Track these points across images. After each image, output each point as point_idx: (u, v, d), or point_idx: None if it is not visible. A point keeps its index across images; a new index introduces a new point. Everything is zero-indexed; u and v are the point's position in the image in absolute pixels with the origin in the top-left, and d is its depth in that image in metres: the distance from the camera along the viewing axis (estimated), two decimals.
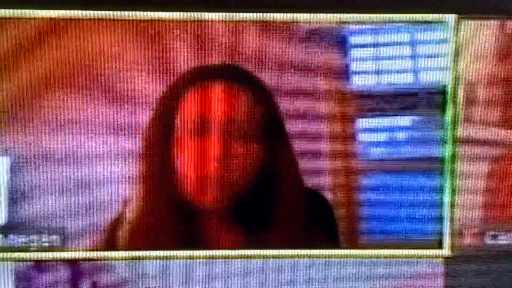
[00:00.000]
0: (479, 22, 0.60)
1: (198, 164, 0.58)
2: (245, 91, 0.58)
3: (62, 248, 0.59)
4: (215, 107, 0.58)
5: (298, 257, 0.61)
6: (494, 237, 0.61)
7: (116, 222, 0.59)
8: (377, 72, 0.60)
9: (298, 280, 0.61)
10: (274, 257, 0.60)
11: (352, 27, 0.60)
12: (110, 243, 0.59)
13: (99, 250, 0.59)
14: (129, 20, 0.58)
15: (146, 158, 0.58)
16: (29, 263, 0.60)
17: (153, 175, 0.58)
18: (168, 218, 0.59)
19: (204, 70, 0.58)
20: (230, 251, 0.60)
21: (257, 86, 0.58)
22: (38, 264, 0.60)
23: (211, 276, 0.60)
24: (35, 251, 0.59)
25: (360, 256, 0.61)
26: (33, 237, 0.59)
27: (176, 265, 0.60)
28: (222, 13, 0.58)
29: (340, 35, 0.60)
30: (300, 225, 0.60)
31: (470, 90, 0.60)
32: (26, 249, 0.59)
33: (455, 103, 0.60)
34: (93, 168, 0.59)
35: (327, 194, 0.60)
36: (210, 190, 0.58)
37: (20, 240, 0.59)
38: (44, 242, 0.59)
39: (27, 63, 0.58)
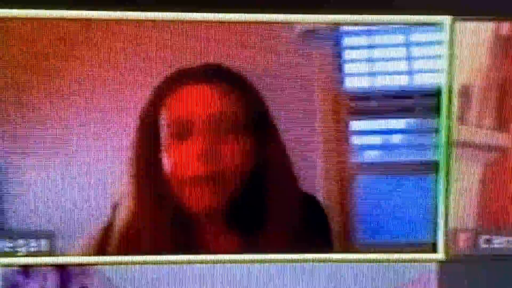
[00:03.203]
0: (474, 23, 0.59)
1: (185, 166, 0.57)
2: (223, 87, 0.58)
3: (50, 253, 0.58)
4: (194, 108, 0.57)
5: (292, 262, 0.60)
6: (488, 241, 0.61)
7: (106, 227, 0.58)
8: (372, 74, 0.60)
9: (292, 284, 0.60)
10: (268, 261, 0.60)
11: (347, 28, 0.59)
12: (100, 248, 0.58)
13: (89, 255, 0.58)
14: (116, 20, 0.57)
15: (135, 162, 0.58)
16: (17, 268, 0.59)
17: (144, 180, 0.58)
18: (160, 223, 0.58)
19: (182, 72, 0.58)
20: (223, 255, 0.60)
21: (237, 82, 0.58)
22: (26, 269, 0.59)
23: (204, 281, 0.60)
24: (22, 256, 0.58)
25: (354, 260, 0.60)
26: (20, 241, 0.58)
27: (167, 271, 0.59)
28: (215, 14, 0.57)
29: (334, 36, 0.59)
30: (294, 229, 0.59)
31: (465, 93, 0.60)
32: (13, 254, 0.58)
33: (449, 105, 0.60)
34: (82, 171, 0.58)
35: (321, 197, 0.59)
36: (201, 192, 0.58)
37: (7, 244, 0.58)
38: (31, 246, 0.58)
39: (13, 65, 0.57)
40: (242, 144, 0.58)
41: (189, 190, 0.58)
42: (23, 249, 0.58)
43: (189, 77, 0.58)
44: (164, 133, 0.57)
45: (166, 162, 0.58)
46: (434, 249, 0.61)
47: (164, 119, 0.57)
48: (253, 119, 0.58)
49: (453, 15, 0.59)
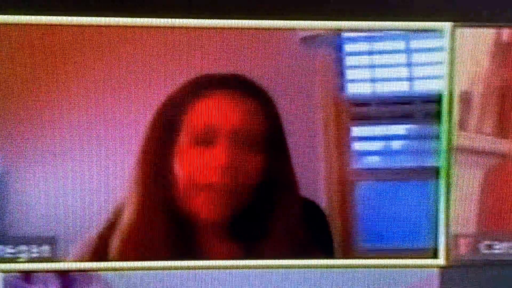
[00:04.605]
0: (475, 30, 0.59)
1: (201, 173, 0.57)
2: (251, 100, 0.58)
3: (52, 259, 0.58)
4: (222, 116, 0.57)
5: (293, 267, 0.60)
6: (489, 247, 0.61)
7: (108, 232, 0.58)
8: (372, 80, 0.60)
9: None
10: (269, 267, 0.60)
11: (348, 34, 0.59)
12: (102, 253, 0.58)
13: (91, 261, 0.58)
14: (133, 27, 0.57)
15: (143, 166, 0.57)
16: (18, 274, 0.59)
17: (149, 184, 0.58)
18: (163, 228, 0.58)
19: (210, 79, 0.58)
20: (225, 261, 0.60)
21: (261, 96, 0.58)
22: (28, 275, 0.59)
23: (206, 287, 0.60)
24: (24, 262, 0.58)
25: (355, 266, 0.61)
26: (22, 247, 0.58)
27: (170, 276, 0.59)
28: (218, 20, 0.57)
29: (335, 43, 0.59)
30: (295, 235, 0.59)
31: (466, 99, 0.60)
32: (15, 260, 0.58)
33: (450, 111, 0.60)
34: (85, 176, 0.58)
35: (322, 203, 0.60)
36: (211, 201, 0.57)
37: (9, 250, 0.58)
38: (33, 252, 0.58)
39: (17, 70, 0.57)
40: (257, 158, 0.58)
41: (199, 198, 0.57)
42: (25, 255, 0.58)
43: (217, 84, 0.57)
44: (183, 138, 0.57)
45: (180, 167, 0.57)
46: (435, 255, 0.61)
47: (187, 123, 0.57)
48: (270, 135, 0.58)
49: (454, 22, 0.59)
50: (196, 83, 0.57)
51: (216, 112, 0.57)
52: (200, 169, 0.57)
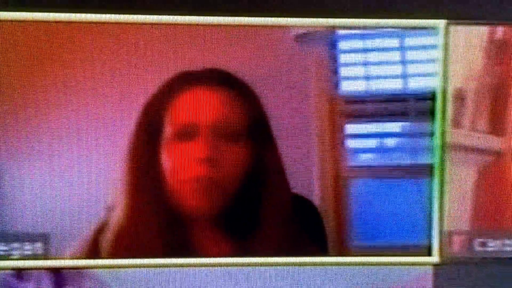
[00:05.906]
0: (469, 27, 0.60)
1: (186, 167, 0.57)
2: (230, 93, 0.58)
3: (45, 256, 0.58)
4: (200, 111, 0.57)
5: (286, 265, 0.60)
6: (483, 244, 0.61)
7: (100, 230, 0.58)
8: (366, 77, 0.60)
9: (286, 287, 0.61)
10: (262, 264, 0.60)
11: (342, 32, 0.59)
12: (94, 251, 0.58)
13: (83, 258, 0.58)
14: (117, 23, 0.57)
15: (132, 164, 0.58)
16: (11, 271, 0.58)
17: (139, 182, 0.58)
18: (154, 225, 0.58)
19: (188, 76, 0.58)
20: (217, 259, 0.59)
21: (242, 89, 0.58)
22: (20, 272, 0.58)
23: (197, 284, 0.60)
24: (17, 259, 0.58)
25: (349, 264, 0.61)
26: (15, 244, 0.58)
27: (161, 274, 0.59)
28: (211, 17, 0.57)
29: (329, 40, 0.59)
30: (289, 232, 0.60)
31: (459, 96, 0.60)
32: (7, 257, 0.58)
33: (444, 109, 0.60)
34: (77, 174, 0.58)
35: (316, 200, 0.60)
36: (199, 194, 0.58)
37: (1, 248, 0.58)
38: (26, 250, 0.58)
39: (10, 66, 0.57)
40: (241, 149, 0.58)
41: (186, 192, 0.58)
42: (18, 252, 0.58)
43: (195, 80, 0.58)
44: (166, 134, 0.57)
45: (166, 163, 0.57)
46: (428, 252, 0.61)
47: (168, 120, 0.57)
48: (252, 126, 0.58)
49: (448, 19, 0.59)
50: (174, 80, 0.58)
51: (195, 107, 0.57)
52: (184, 164, 0.57)
